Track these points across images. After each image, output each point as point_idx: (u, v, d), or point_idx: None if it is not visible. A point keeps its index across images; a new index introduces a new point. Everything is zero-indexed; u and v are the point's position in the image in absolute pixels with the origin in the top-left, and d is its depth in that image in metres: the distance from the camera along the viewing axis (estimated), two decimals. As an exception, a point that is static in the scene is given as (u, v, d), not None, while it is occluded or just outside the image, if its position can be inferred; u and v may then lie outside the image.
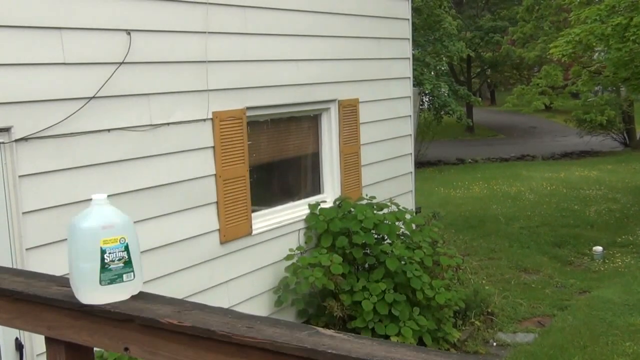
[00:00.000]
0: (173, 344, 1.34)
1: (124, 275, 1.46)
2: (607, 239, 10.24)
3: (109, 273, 1.44)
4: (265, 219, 5.66)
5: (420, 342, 5.75)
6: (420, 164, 18.76)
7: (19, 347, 3.77)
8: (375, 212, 6.13)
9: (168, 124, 4.64)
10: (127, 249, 1.47)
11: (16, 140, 3.73)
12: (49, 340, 1.52)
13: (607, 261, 9.21)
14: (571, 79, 17.37)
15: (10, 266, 3.67)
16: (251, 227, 5.41)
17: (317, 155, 6.44)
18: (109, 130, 4.24)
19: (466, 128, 27.96)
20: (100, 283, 1.43)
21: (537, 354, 6.04)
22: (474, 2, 31.24)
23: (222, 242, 5.13)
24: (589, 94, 18.46)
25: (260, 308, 5.49)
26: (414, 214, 7.30)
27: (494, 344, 6.43)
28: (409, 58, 7.66)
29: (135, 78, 4.42)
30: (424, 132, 19.85)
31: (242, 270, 5.36)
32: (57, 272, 1.85)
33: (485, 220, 11.71)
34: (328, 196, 6.40)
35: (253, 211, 5.48)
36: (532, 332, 6.70)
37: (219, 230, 5.11)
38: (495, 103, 39.86)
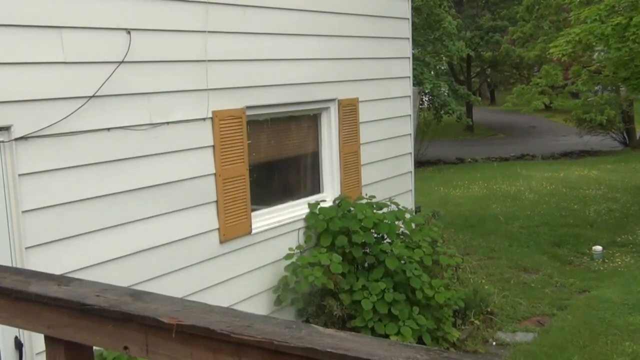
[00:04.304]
0: (173, 343, 1.34)
1: None
2: (606, 239, 10.24)
3: None
4: (264, 218, 5.66)
5: (420, 342, 5.75)
6: (420, 163, 18.76)
7: (19, 345, 3.77)
8: (374, 211, 6.13)
9: (168, 123, 4.64)
10: None
11: (16, 139, 3.73)
12: (48, 339, 1.52)
13: (606, 261, 9.21)
14: (571, 78, 17.34)
15: (10, 265, 3.67)
16: (251, 226, 5.41)
17: (317, 155, 6.44)
18: (108, 129, 4.24)
19: (466, 127, 27.96)
20: None
21: (537, 353, 6.04)
22: (474, 2, 31.22)
23: (221, 241, 5.13)
24: (589, 94, 18.43)
25: (259, 307, 5.49)
26: (414, 213, 7.31)
27: (494, 343, 6.43)
28: (408, 57, 7.66)
29: (135, 77, 4.42)
30: (423, 132, 19.86)
31: (242, 270, 5.36)
32: (57, 270, 1.85)
33: (485, 219, 11.71)
34: (328, 195, 6.40)
35: (253, 210, 5.48)
36: (532, 331, 6.70)
37: (218, 229, 5.11)
38: (495, 102, 39.85)
